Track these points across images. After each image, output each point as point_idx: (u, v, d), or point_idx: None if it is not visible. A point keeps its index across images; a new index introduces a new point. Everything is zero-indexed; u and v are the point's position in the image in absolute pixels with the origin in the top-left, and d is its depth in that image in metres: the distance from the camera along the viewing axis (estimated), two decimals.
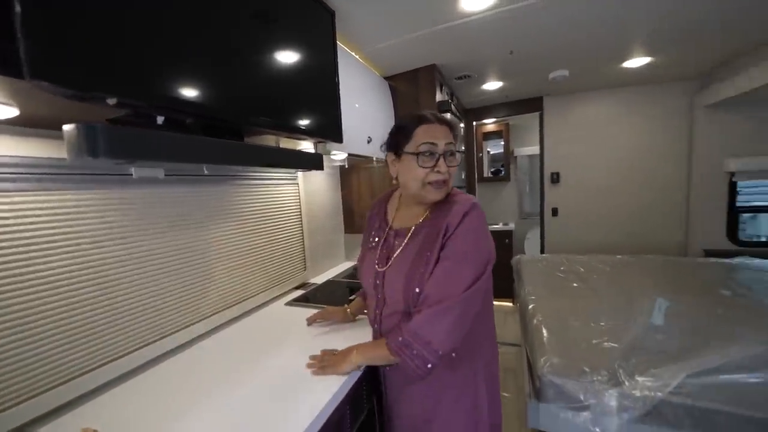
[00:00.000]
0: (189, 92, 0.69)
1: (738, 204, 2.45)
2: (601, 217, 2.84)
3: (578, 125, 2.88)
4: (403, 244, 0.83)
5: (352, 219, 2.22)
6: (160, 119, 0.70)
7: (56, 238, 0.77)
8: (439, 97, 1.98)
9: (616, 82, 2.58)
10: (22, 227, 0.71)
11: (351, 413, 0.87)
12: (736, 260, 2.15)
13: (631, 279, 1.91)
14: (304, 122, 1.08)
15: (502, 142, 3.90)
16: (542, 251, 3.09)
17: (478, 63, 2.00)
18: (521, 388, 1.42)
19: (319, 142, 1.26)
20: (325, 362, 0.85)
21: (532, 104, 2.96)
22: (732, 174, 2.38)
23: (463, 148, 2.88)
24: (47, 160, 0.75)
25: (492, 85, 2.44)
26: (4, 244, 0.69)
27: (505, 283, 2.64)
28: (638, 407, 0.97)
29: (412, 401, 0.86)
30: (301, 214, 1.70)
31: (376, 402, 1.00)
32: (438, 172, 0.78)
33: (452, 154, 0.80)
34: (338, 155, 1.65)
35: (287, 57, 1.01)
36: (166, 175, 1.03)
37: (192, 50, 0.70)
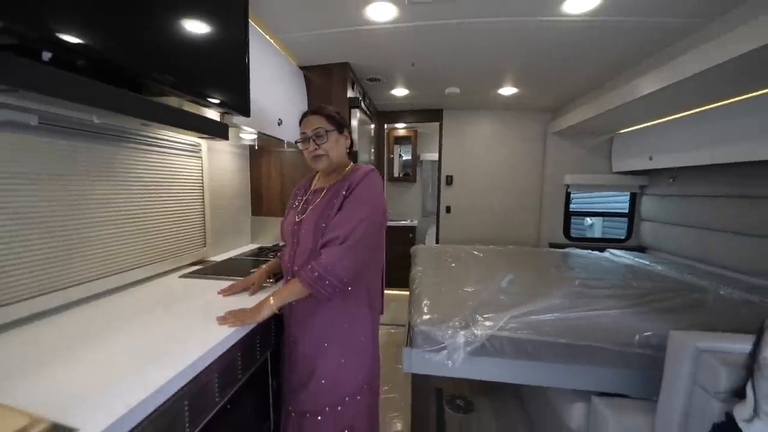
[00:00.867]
0: (84, 32, 0.70)
1: (571, 209, 3.29)
2: (481, 215, 3.43)
3: (468, 137, 3.44)
4: (319, 199, 1.07)
5: (260, 202, 2.23)
6: (46, 56, 0.69)
7: None
8: (350, 93, 2.16)
9: (496, 105, 3.19)
10: None
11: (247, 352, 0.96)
12: (566, 250, 2.88)
13: (495, 262, 2.40)
14: (209, 90, 1.12)
15: (410, 149, 4.34)
16: (437, 243, 3.55)
17: (386, 69, 2.26)
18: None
19: (226, 113, 1.29)
20: (240, 315, 0.92)
21: (434, 115, 3.42)
22: (568, 186, 3.18)
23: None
24: None
25: (399, 91, 2.76)
26: None
27: (406, 273, 2.97)
28: (477, 341, 1.29)
29: (314, 328, 1.03)
30: (203, 189, 1.66)
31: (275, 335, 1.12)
32: (308, 150, 1.06)
33: (319, 136, 1.04)
34: (248, 133, 1.69)
35: (196, 22, 1.04)
36: (40, 123, 0.95)
37: None
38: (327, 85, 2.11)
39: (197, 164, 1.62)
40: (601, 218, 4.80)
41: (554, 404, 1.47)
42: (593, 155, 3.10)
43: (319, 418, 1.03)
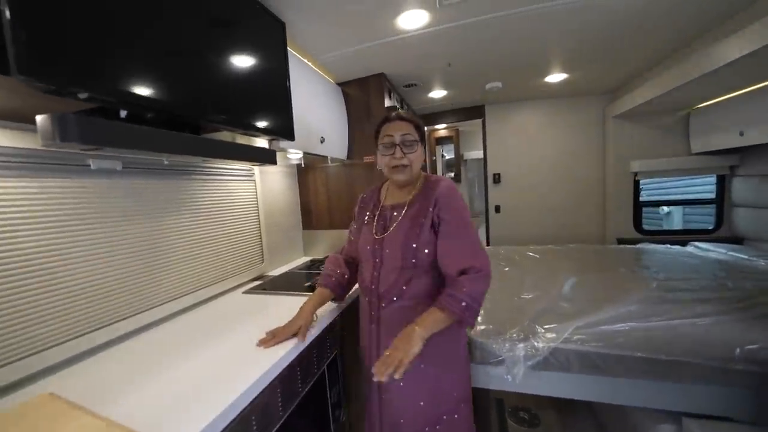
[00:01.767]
0: (149, 90, 0.80)
1: (641, 199, 2.92)
2: (534, 213, 3.21)
3: (514, 131, 3.24)
4: (402, 214, 1.01)
5: (310, 217, 2.33)
6: (123, 113, 0.80)
7: (21, 221, 0.84)
8: (388, 103, 2.18)
9: (543, 94, 2.97)
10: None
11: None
12: (639, 246, 2.57)
13: (553, 263, 2.22)
14: (257, 121, 1.20)
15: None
16: (488, 244, 3.40)
17: (422, 73, 2.23)
18: None
19: (273, 139, 1.38)
20: (395, 358, 0.81)
21: (475, 111, 3.28)
22: (636, 174, 2.84)
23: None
24: (14, 150, 0.82)
25: (437, 93, 2.70)
26: None
27: None
28: (539, 354, 1.20)
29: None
30: (258, 210, 1.80)
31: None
32: (395, 157, 0.97)
33: (407, 144, 0.97)
34: (294, 154, 1.78)
35: (241, 61, 1.13)
36: (123, 167, 1.11)
37: (153, 53, 0.81)
38: (365, 98, 2.15)
39: (251, 187, 1.76)
40: (681, 208, 4.18)
41: (635, 425, 1.31)
42: (665, 136, 2.73)
43: None
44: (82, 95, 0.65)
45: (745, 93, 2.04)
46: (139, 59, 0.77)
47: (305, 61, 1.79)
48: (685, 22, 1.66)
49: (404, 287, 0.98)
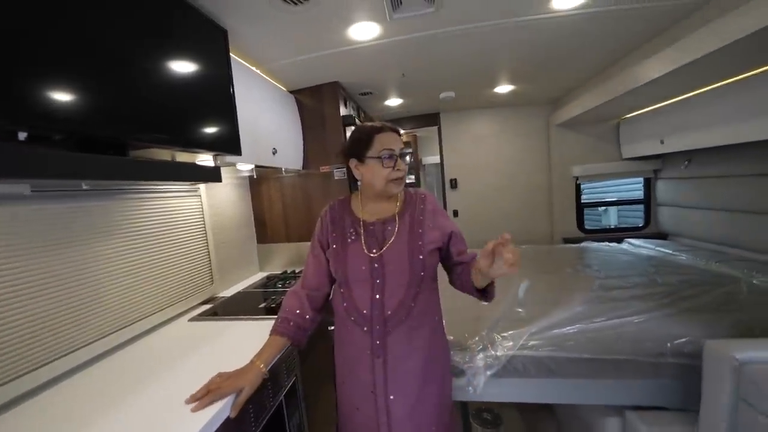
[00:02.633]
0: (53, 106, 0.68)
1: (583, 201, 3.17)
2: (489, 216, 3.35)
3: (468, 138, 3.36)
4: (397, 228, 0.95)
5: (265, 230, 2.22)
6: (21, 135, 0.67)
7: None
8: (343, 111, 2.13)
9: (493, 104, 3.11)
10: None
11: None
12: (582, 244, 2.78)
13: None
14: (199, 137, 1.10)
15: (410, 151, 4.29)
16: None
17: (377, 82, 2.23)
18: None
19: (218, 155, 1.27)
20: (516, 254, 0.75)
21: (431, 119, 3.36)
22: (577, 178, 3.07)
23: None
24: None
25: (393, 101, 2.71)
26: None
27: None
28: (498, 364, 1.23)
29: (415, 373, 0.92)
30: (205, 227, 1.66)
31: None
32: (398, 170, 0.93)
33: (404, 156, 0.96)
34: (244, 166, 1.67)
35: (176, 72, 1.03)
36: (33, 190, 0.95)
37: (56, 58, 0.69)
38: (319, 106, 2.09)
39: (196, 203, 1.61)
40: (616, 208, 4.63)
41: (586, 420, 1.39)
42: (600, 143, 2.99)
43: None
44: None
45: (664, 106, 2.30)
46: (38, 66, 0.66)
47: (253, 68, 1.69)
48: (613, 44, 1.83)
49: (412, 304, 0.91)
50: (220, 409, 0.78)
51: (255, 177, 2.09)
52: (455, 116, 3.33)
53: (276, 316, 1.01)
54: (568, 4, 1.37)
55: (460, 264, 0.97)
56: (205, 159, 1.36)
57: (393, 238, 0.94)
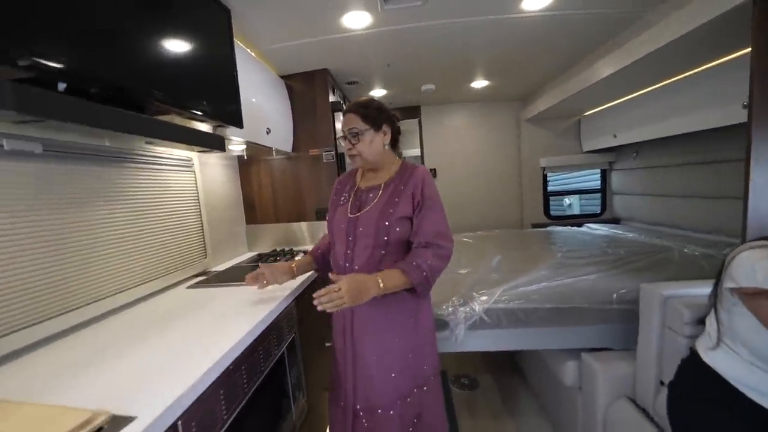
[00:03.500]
0: (90, 62, 0.76)
1: (549, 190, 3.48)
2: (466, 204, 3.58)
3: (447, 130, 3.58)
4: (378, 195, 1.06)
5: (254, 211, 2.28)
6: (61, 86, 0.75)
7: None
8: (332, 98, 2.25)
9: (470, 98, 3.34)
10: None
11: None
12: (548, 228, 3.06)
13: (484, 246, 2.53)
14: (203, 106, 1.18)
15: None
16: None
17: (364, 71, 2.36)
18: None
19: (218, 125, 1.35)
20: (341, 301, 0.87)
21: (412, 112, 3.54)
22: (544, 169, 3.37)
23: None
24: None
25: (378, 92, 2.86)
26: None
27: None
28: (475, 315, 1.41)
29: (380, 325, 1.05)
30: (199, 202, 1.71)
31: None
32: (346, 148, 1.07)
33: (354, 135, 1.05)
34: (237, 144, 1.74)
35: (185, 44, 1.11)
36: (44, 150, 0.99)
37: (92, 24, 0.77)
38: (310, 92, 2.19)
39: (191, 178, 1.67)
40: (578, 197, 5.06)
41: (550, 368, 1.60)
42: (564, 137, 3.30)
43: (391, 412, 1.05)
44: (24, 62, 0.62)
45: (617, 104, 2.60)
46: (79, 29, 0.74)
47: (248, 51, 1.77)
48: (572, 46, 2.08)
49: (379, 266, 1.01)
50: (245, 335, 0.89)
51: (245, 158, 2.15)
52: (435, 109, 3.53)
53: None
54: (535, 6, 1.58)
55: (412, 244, 1.02)
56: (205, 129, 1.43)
57: (372, 203, 1.06)
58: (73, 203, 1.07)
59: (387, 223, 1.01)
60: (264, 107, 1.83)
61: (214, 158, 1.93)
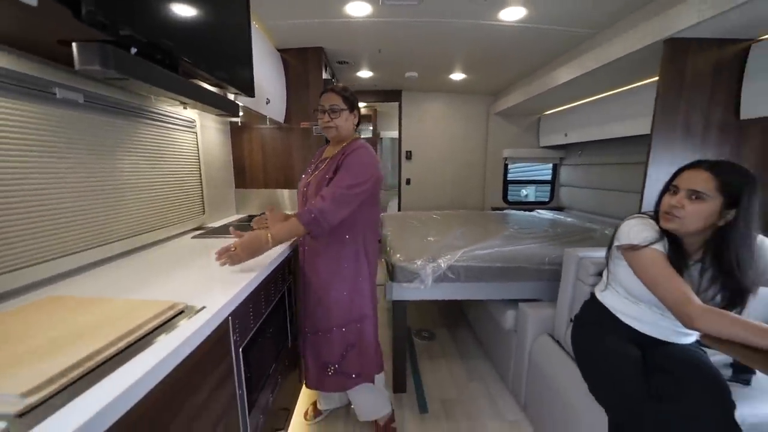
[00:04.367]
0: (155, 30, 0.92)
1: (508, 179, 3.92)
2: (436, 185, 3.94)
3: (424, 116, 3.86)
4: (324, 165, 1.32)
5: (243, 176, 2.42)
6: (133, 50, 0.91)
7: None
8: (325, 75, 2.41)
9: (448, 89, 3.62)
10: None
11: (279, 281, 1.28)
12: (505, 211, 3.51)
13: (449, 222, 2.90)
14: (225, 72, 1.34)
15: (371, 127, 4.66)
16: (399, 210, 4.00)
17: (355, 53, 2.54)
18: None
19: (237, 93, 1.51)
20: (236, 257, 1.05)
21: (394, 95, 3.76)
22: (506, 159, 3.79)
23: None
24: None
25: (365, 73, 3.04)
26: None
27: None
28: (440, 270, 1.74)
29: (321, 266, 1.34)
30: (199, 162, 1.85)
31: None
32: (324, 120, 1.29)
33: (334, 111, 1.26)
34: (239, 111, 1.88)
35: (212, 13, 1.23)
36: (85, 100, 1.13)
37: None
38: (304, 68, 2.33)
39: (193, 138, 1.80)
40: (534, 187, 5.64)
41: (494, 316, 2.01)
42: (526, 132, 3.72)
43: (329, 335, 1.36)
44: (125, 31, 0.79)
45: (570, 107, 3.03)
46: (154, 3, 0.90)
47: (252, 22, 1.88)
48: (537, 54, 2.42)
49: None
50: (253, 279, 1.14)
51: (239, 124, 2.27)
52: (415, 96, 3.78)
53: None
54: (510, 17, 1.87)
55: None
56: None
57: (319, 171, 1.32)
58: (108, 151, 1.22)
59: (325, 187, 1.23)
60: (265, 78, 1.97)
61: (211, 122, 2.05)
